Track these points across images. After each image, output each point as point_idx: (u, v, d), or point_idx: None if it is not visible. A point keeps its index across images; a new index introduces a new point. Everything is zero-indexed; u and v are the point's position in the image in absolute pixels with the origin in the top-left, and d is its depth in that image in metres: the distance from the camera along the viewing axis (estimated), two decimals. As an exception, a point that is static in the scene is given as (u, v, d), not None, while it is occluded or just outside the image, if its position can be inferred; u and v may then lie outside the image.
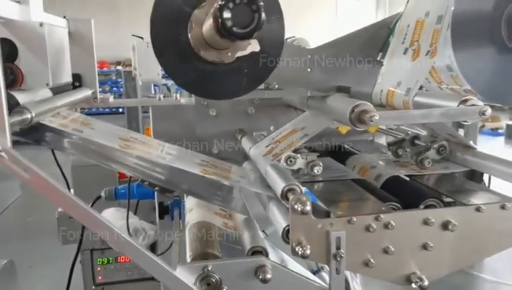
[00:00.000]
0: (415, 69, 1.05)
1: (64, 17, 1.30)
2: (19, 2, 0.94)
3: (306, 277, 0.86)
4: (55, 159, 1.49)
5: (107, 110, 8.67)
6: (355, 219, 0.83)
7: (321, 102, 1.10)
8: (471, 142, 1.23)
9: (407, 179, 1.15)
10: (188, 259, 0.91)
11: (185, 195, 1.31)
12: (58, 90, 1.17)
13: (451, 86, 1.10)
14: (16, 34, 1.02)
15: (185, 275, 0.80)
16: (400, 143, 1.32)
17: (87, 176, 2.16)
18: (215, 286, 0.82)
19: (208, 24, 0.85)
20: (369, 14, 11.60)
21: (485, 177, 1.22)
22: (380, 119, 0.85)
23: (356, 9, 11.65)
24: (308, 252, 0.79)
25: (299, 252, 0.79)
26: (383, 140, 1.63)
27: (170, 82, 5.85)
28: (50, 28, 1.05)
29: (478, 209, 0.88)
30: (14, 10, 0.92)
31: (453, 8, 0.99)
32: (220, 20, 0.77)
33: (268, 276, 0.81)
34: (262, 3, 0.77)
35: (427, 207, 0.95)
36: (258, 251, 0.89)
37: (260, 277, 0.81)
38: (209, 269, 0.81)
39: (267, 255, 0.89)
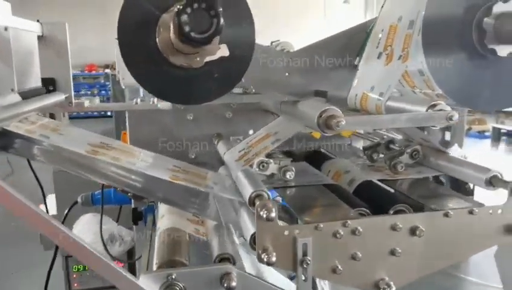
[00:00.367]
0: (388, 74, 1.05)
1: (38, 20, 1.28)
2: (-18, 7, 0.92)
3: (273, 285, 0.84)
4: (30, 164, 1.46)
5: (95, 113, 8.60)
6: (322, 225, 0.82)
7: (293, 107, 1.09)
8: (456, 145, 1.23)
9: (380, 184, 1.14)
10: (155, 267, 0.89)
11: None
12: (28, 95, 1.14)
13: (424, 90, 1.10)
14: (-20, 39, 0.99)
15: (148, 284, 0.78)
16: (375, 147, 1.31)
17: (69, 181, 2.13)
18: (179, 294, 0.80)
19: (172, 29, 0.83)
20: (358, 16, 11.63)
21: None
22: (346, 125, 0.85)
23: (344, 12, 11.68)
24: (273, 259, 0.78)
25: (265, 259, 0.78)
26: (360, 144, 1.62)
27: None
28: (16, 32, 1.03)
29: (446, 214, 0.88)
30: (-23, 14, 0.90)
31: (423, 13, 0.99)
32: (178, 25, 0.75)
33: (233, 284, 0.79)
34: (221, 9, 0.76)
35: (396, 212, 0.95)
36: (226, 258, 0.87)
37: (225, 285, 0.79)
38: (173, 277, 0.79)
39: (234, 262, 0.87)
